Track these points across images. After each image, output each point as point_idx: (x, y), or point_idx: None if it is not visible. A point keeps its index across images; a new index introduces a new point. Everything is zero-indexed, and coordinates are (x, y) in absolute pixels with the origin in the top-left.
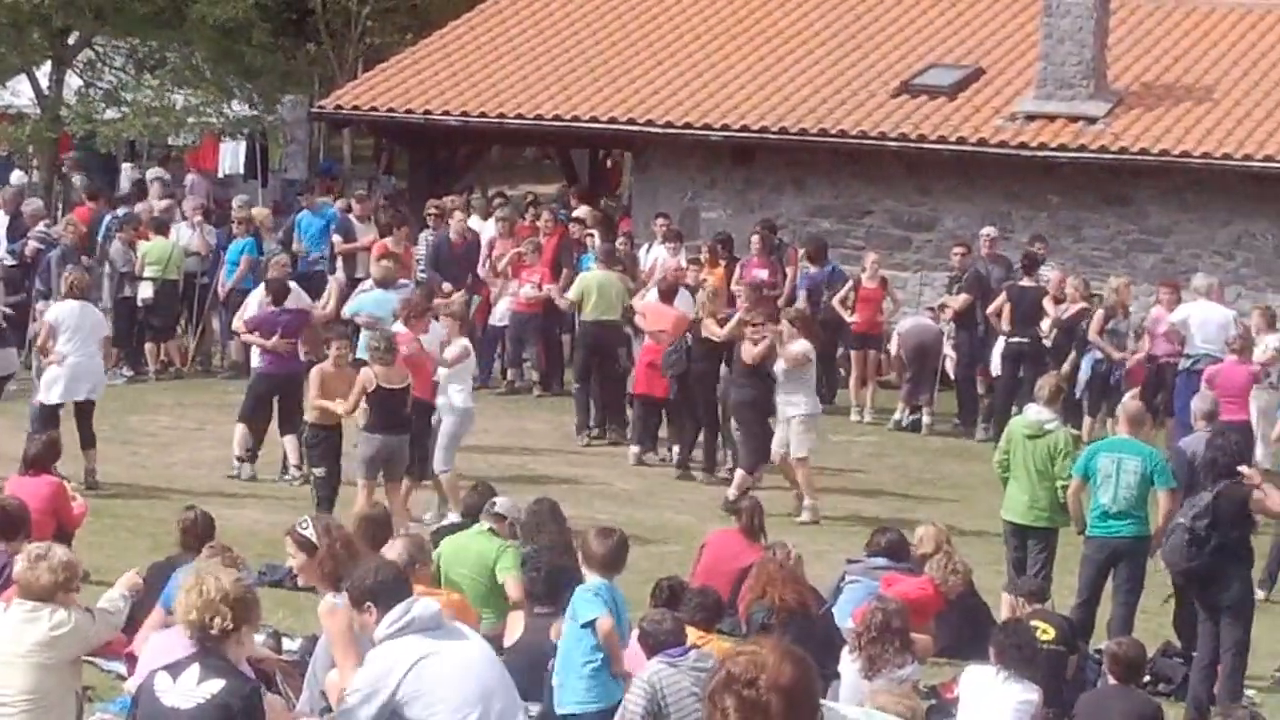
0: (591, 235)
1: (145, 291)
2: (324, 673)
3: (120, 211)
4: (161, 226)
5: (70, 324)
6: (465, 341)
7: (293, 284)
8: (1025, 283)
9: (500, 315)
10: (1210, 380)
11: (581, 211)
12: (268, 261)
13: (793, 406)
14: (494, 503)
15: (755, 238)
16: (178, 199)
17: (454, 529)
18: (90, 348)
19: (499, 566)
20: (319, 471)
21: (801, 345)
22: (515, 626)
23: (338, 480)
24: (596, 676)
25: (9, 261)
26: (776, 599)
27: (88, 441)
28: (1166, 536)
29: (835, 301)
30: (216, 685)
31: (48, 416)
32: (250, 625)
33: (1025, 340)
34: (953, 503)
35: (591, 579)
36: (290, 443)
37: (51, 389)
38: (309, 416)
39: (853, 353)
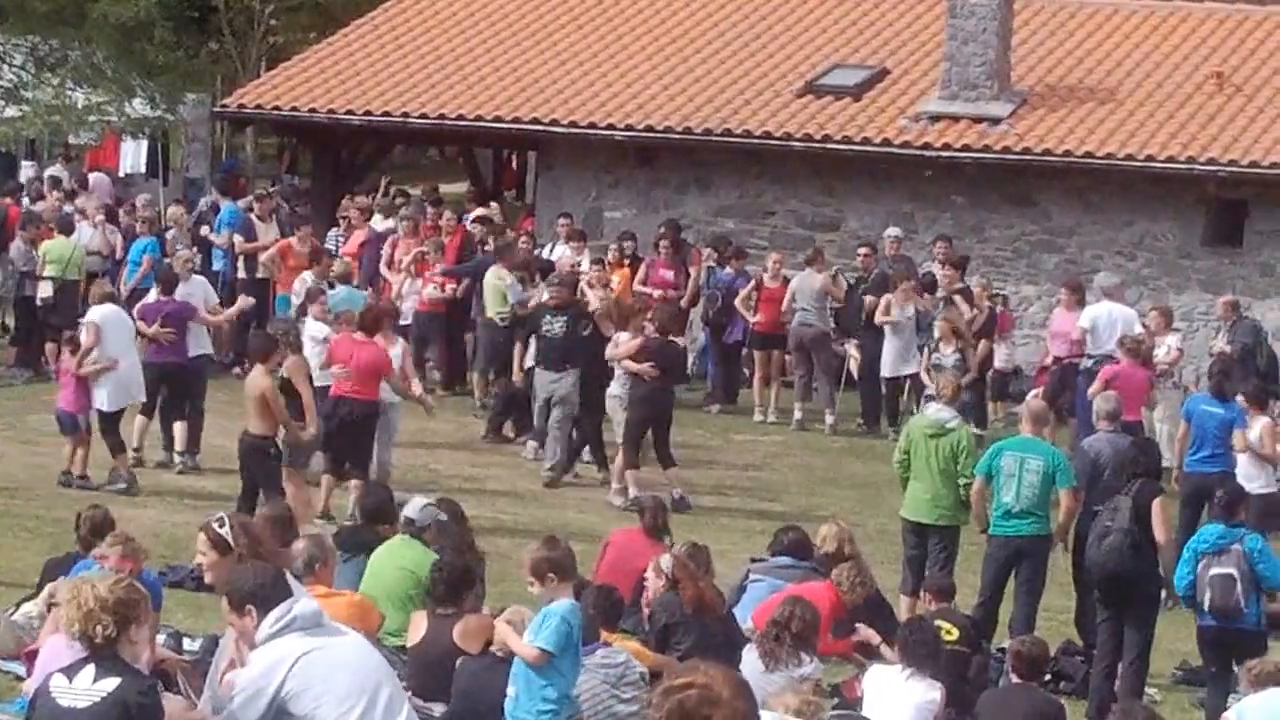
0: (492, 236)
1: (45, 291)
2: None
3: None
4: (66, 226)
5: (112, 328)
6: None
7: (200, 279)
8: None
9: (403, 315)
10: (1108, 381)
11: (486, 211)
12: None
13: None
14: (412, 514)
15: (664, 240)
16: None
17: (354, 530)
18: (131, 350)
19: None
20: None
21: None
22: (418, 627)
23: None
24: (549, 698)
25: None
26: (702, 594)
27: (118, 447)
28: (1100, 539)
29: (738, 302)
30: (112, 683)
31: (111, 424)
32: (138, 624)
33: None
34: (856, 502)
35: (561, 595)
36: (179, 429)
37: (111, 396)
38: (251, 427)
39: (756, 353)
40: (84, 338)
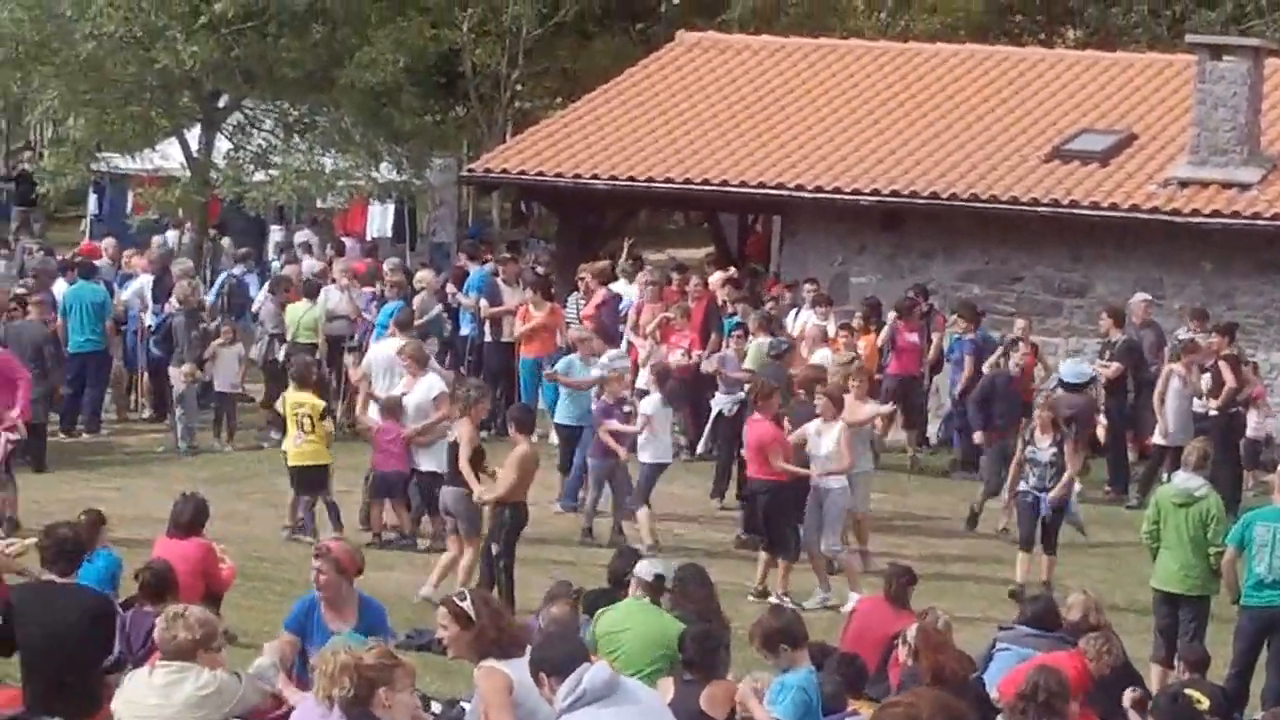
0: (742, 302)
1: (279, 354)
2: None
3: (238, 270)
4: (311, 290)
5: None
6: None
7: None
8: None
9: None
10: None
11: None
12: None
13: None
14: (643, 574)
15: (911, 306)
16: (328, 260)
17: (603, 594)
18: None
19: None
20: (496, 547)
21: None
22: (665, 693)
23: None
24: None
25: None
26: (941, 666)
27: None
28: None
29: (986, 367)
30: None
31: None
32: (391, 687)
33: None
34: (1104, 570)
35: (797, 663)
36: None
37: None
38: (512, 497)
39: None
40: (438, 405)
